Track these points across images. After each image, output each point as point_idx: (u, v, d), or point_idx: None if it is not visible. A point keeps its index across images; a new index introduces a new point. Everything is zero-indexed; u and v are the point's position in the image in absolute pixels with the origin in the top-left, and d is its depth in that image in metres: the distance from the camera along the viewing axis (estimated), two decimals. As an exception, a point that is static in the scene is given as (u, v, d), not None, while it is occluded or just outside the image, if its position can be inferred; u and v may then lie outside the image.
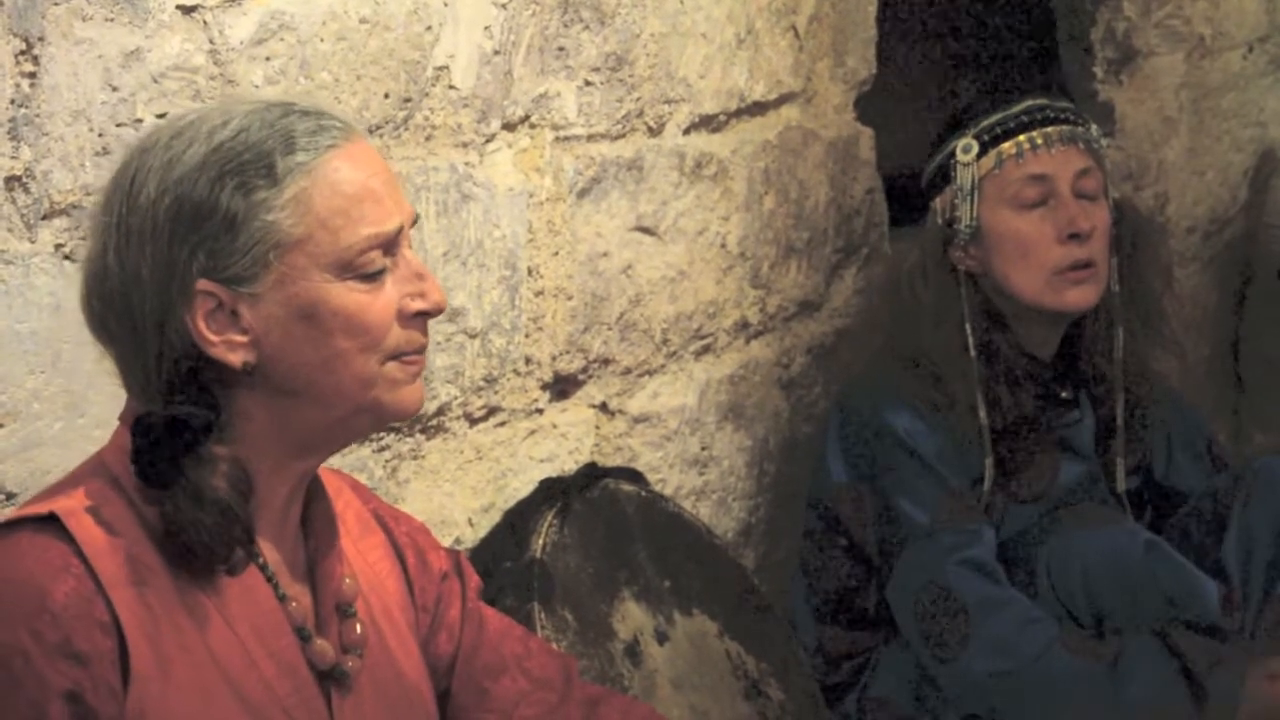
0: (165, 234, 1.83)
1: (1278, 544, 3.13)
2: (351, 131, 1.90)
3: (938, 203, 3.21)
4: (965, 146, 3.17)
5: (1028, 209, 3.14)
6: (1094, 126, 3.24)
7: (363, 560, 2.04)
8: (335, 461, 2.20)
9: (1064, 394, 3.22)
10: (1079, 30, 4.41)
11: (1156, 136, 4.47)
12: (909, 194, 4.35)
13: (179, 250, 1.83)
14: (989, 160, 3.16)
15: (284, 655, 1.90)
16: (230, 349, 1.85)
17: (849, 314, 3.68)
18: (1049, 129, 3.17)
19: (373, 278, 1.88)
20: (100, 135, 2.23)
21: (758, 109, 3.37)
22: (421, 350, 1.93)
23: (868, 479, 3.14)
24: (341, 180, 1.86)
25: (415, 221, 1.94)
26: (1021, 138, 3.16)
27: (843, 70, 3.60)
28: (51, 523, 1.81)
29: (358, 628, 1.97)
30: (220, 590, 1.87)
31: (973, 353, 3.13)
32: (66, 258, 2.21)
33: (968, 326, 3.14)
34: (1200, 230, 4.64)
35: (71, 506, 1.83)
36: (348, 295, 1.86)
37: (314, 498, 1.98)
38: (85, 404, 2.24)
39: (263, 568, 1.90)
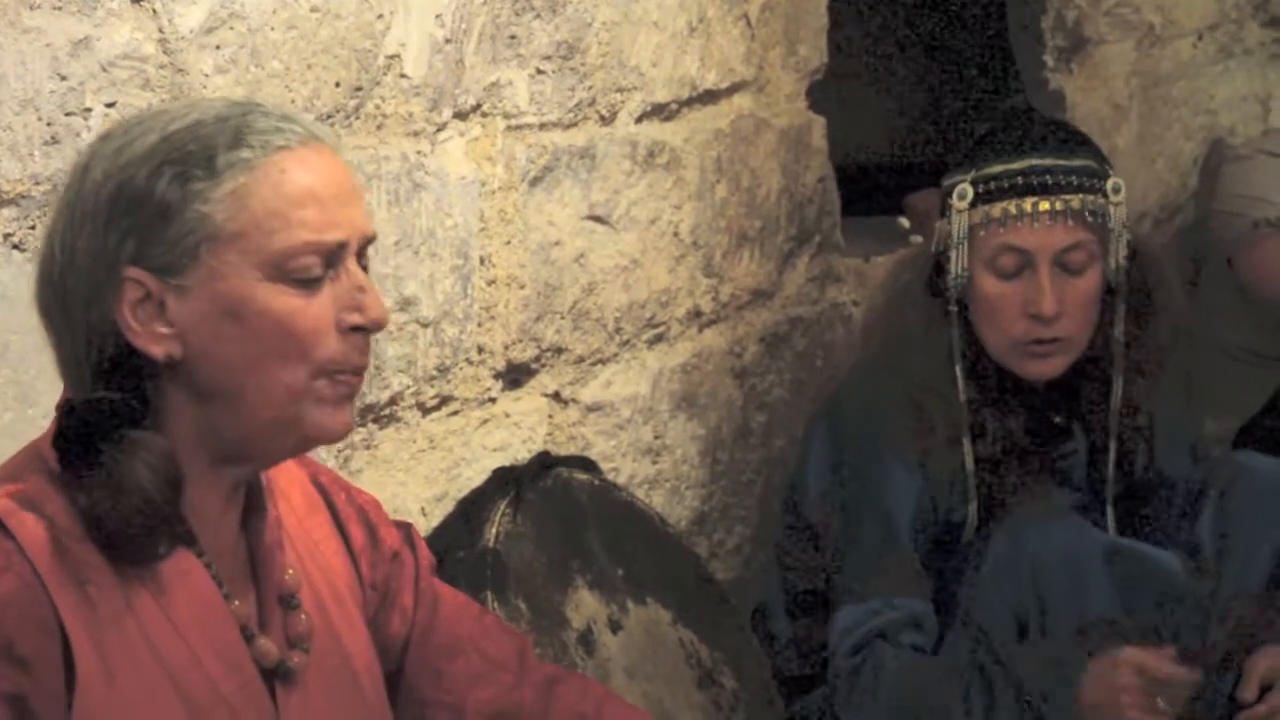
0: (102, 219, 1.82)
1: (1270, 554, 3.12)
2: (313, 138, 1.86)
3: (939, 227, 3.13)
4: (961, 192, 3.06)
5: (1004, 277, 3.05)
6: (1108, 184, 3.06)
7: (308, 539, 2.02)
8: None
9: (1057, 419, 3.17)
10: (1030, 18, 4.42)
11: (1107, 124, 4.49)
12: (861, 182, 4.37)
13: (111, 236, 1.81)
14: (978, 214, 3.05)
15: (228, 653, 1.88)
16: (154, 340, 1.82)
17: (804, 302, 3.68)
18: (1041, 201, 3.03)
19: (307, 284, 1.83)
20: (49, 125, 2.22)
21: (710, 97, 3.37)
22: (358, 372, 1.88)
23: (835, 509, 3.12)
24: (285, 181, 1.83)
25: (370, 241, 1.88)
26: (1010, 205, 3.03)
27: (795, 59, 3.61)
28: None
29: (302, 618, 1.95)
30: (164, 588, 1.84)
31: (960, 383, 3.08)
32: (15, 247, 2.20)
33: (955, 354, 3.09)
34: (1151, 217, 4.66)
35: (10, 506, 1.79)
36: (278, 298, 1.82)
37: (253, 495, 1.95)
38: (35, 394, 2.23)
39: (208, 566, 1.88)
